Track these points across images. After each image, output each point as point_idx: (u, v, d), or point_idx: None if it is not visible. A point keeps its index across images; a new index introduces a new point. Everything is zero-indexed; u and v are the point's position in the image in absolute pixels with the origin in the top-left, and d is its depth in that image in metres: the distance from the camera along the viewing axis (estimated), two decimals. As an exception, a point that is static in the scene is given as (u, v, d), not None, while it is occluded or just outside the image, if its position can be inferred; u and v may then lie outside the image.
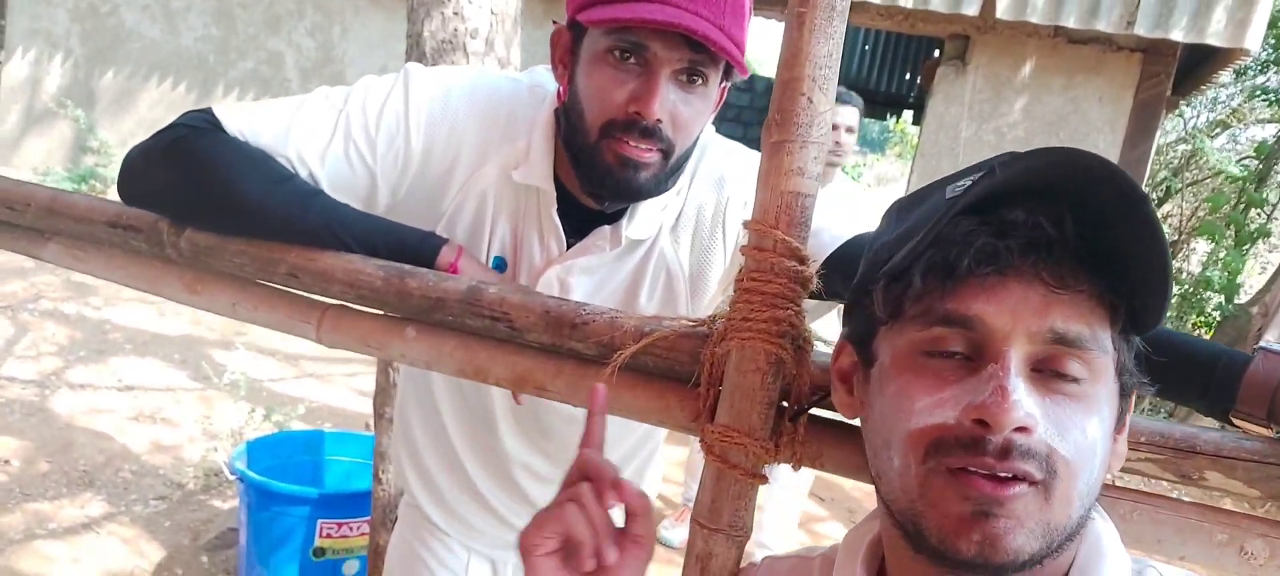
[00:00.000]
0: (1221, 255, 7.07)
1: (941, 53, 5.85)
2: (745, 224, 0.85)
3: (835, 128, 3.21)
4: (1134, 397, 0.69)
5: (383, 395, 2.40)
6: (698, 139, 1.15)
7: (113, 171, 6.84)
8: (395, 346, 1.04)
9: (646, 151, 1.07)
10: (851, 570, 0.76)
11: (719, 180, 1.21)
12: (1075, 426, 0.62)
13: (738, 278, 0.85)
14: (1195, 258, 8.75)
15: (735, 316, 0.84)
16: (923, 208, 0.69)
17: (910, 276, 0.64)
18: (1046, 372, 0.62)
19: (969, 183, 0.64)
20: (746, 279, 0.84)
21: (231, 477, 2.66)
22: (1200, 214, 8.64)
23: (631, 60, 1.05)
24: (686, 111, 1.07)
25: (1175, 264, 8.51)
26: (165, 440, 3.82)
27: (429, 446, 1.42)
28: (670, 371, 0.92)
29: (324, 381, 4.71)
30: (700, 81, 1.07)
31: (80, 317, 5.06)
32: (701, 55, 1.04)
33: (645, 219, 1.18)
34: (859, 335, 0.73)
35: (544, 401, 1.30)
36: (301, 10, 6.70)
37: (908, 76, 11.10)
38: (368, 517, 2.53)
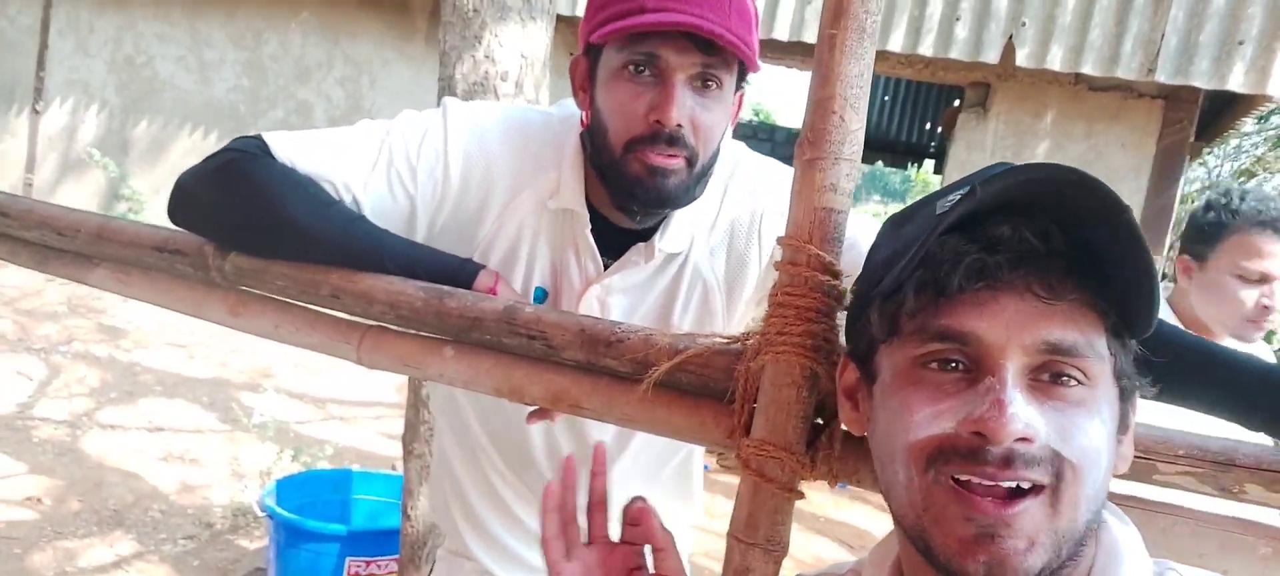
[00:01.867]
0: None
1: (962, 101, 5.88)
2: (779, 240, 0.86)
3: (1265, 279, 1.69)
4: (1135, 400, 0.69)
5: (412, 432, 2.42)
6: (721, 146, 1.18)
7: (144, 218, 6.97)
8: (433, 365, 1.06)
9: (672, 158, 1.10)
10: None
11: (753, 193, 1.24)
12: (1078, 429, 0.62)
13: (771, 292, 0.86)
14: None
15: (769, 331, 0.85)
16: (913, 224, 0.71)
17: (903, 294, 0.66)
18: (1045, 380, 0.63)
19: (955, 198, 0.66)
20: (780, 294, 0.85)
21: (260, 516, 2.68)
22: (1228, 261, 8.54)
23: (646, 72, 1.09)
24: (705, 116, 1.11)
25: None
26: (194, 480, 3.85)
27: (470, 480, 1.42)
28: (705, 388, 0.93)
29: (351, 424, 4.73)
30: (715, 85, 1.11)
31: (111, 360, 5.13)
32: (713, 58, 1.08)
33: (678, 231, 1.21)
34: (860, 352, 0.74)
35: (578, 433, 1.31)
36: (331, 62, 6.84)
37: (928, 125, 11.13)
38: (396, 555, 2.54)
